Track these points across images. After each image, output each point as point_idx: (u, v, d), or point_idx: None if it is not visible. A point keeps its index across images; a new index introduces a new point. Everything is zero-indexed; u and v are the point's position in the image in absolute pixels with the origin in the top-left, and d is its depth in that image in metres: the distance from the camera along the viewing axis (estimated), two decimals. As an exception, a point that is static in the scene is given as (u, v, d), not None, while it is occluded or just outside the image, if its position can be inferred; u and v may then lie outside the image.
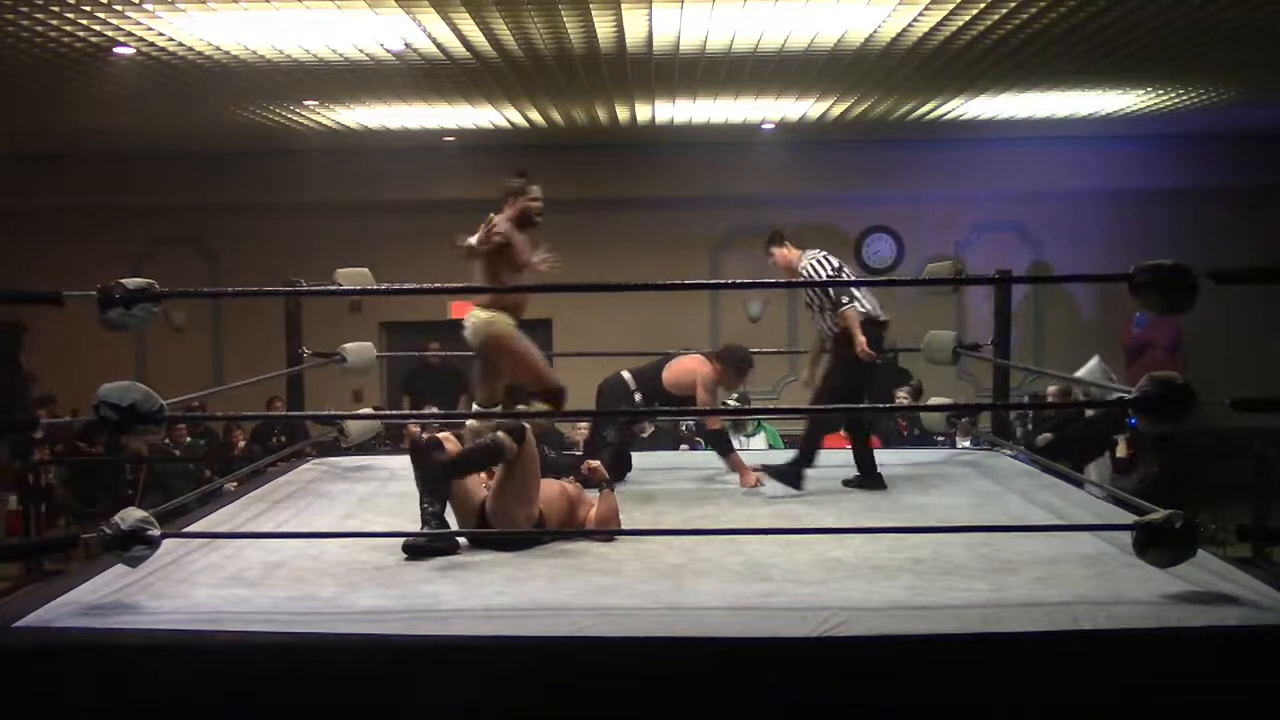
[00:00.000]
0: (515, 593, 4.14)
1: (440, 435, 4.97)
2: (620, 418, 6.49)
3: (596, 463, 5.27)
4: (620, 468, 6.21)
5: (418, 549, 4.60)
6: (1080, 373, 6.56)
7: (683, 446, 9.98)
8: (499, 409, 5.72)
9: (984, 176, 13.06)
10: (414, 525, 5.10)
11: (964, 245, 13.52)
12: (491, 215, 5.70)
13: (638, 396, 6.49)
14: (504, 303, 5.72)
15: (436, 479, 4.84)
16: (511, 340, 5.74)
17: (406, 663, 3.64)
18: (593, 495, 5.23)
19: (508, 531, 4.72)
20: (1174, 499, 6.38)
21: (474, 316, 5.73)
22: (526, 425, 4.85)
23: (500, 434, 4.77)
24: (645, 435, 8.87)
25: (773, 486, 6.30)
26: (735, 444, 10.17)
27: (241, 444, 11.26)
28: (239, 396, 9.17)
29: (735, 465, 6.36)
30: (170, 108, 10.28)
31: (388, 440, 10.17)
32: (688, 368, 6.56)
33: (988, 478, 6.38)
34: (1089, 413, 7.04)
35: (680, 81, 9.69)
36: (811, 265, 6.33)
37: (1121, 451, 6.95)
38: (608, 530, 4.95)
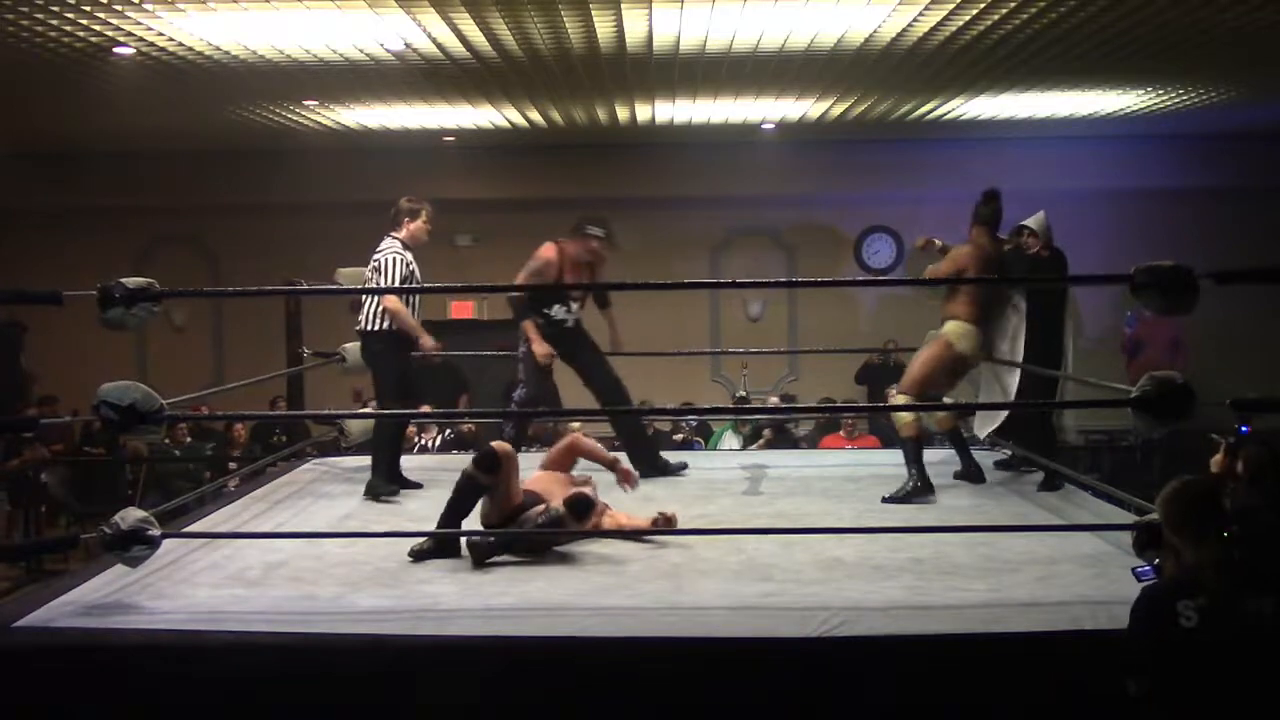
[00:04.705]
0: (515, 593, 4.14)
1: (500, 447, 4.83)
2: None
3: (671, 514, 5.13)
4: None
5: (424, 553, 4.59)
6: (1029, 221, 6.44)
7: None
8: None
9: (984, 176, 13.00)
10: (413, 525, 5.11)
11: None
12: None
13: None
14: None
15: (466, 499, 4.77)
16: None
17: (406, 663, 3.64)
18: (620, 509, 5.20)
19: (511, 531, 4.71)
20: None
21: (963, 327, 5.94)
22: (595, 502, 4.76)
23: (564, 512, 4.59)
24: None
25: (770, 485, 6.31)
26: (735, 444, 10.27)
27: (241, 443, 11.26)
28: (239, 396, 9.17)
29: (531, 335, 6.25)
30: (170, 108, 10.28)
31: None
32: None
33: (988, 478, 6.37)
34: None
35: (680, 81, 9.69)
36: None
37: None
38: (608, 531, 4.95)
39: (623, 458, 5.67)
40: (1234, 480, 5.19)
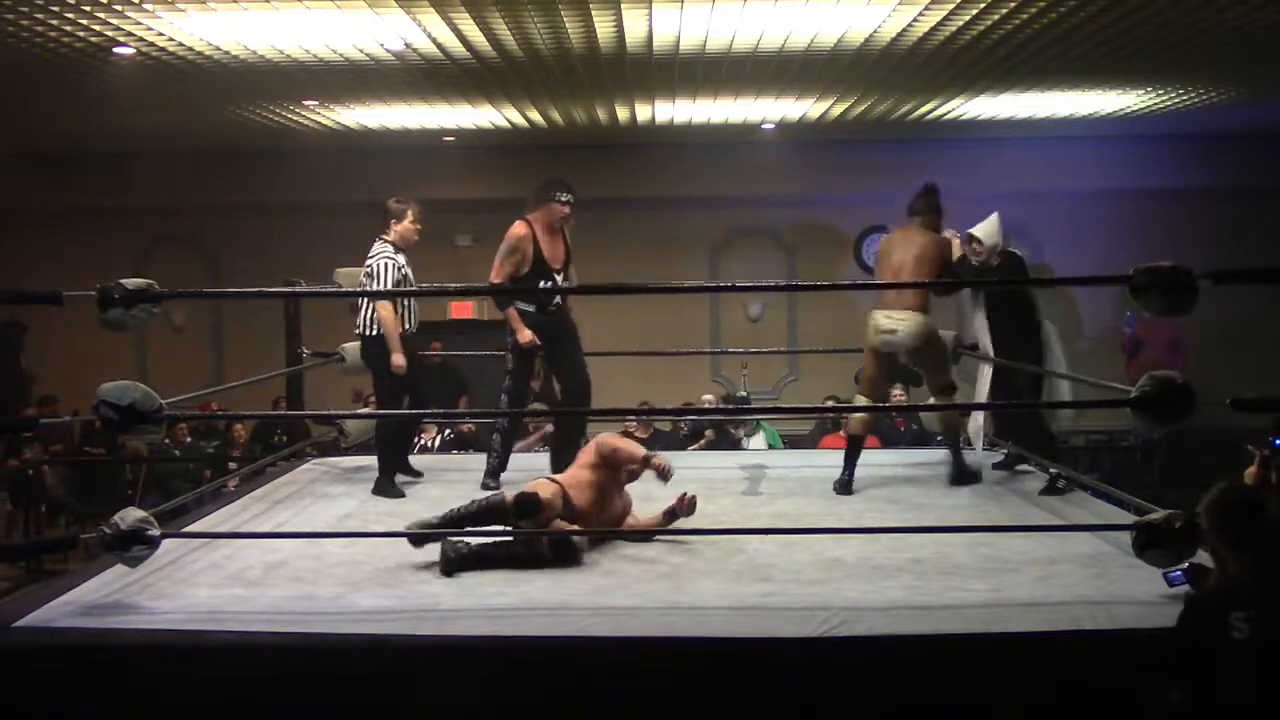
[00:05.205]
0: (515, 593, 4.14)
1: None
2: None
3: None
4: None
5: (423, 540, 4.57)
6: (976, 229, 6.23)
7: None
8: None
9: (984, 176, 13.03)
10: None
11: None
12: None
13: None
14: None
15: (483, 520, 4.72)
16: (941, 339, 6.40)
17: (406, 663, 3.64)
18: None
19: (515, 530, 4.70)
20: None
21: (913, 317, 6.05)
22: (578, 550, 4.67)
23: (547, 551, 4.56)
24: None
25: (770, 485, 6.31)
26: (761, 443, 10.21)
27: (241, 443, 11.26)
28: (239, 396, 9.16)
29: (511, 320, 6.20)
30: (170, 108, 10.28)
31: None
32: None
33: (988, 478, 6.37)
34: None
35: (680, 81, 9.69)
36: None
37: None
38: (623, 532, 4.95)
39: (657, 454, 5.59)
40: (1267, 491, 5.19)
